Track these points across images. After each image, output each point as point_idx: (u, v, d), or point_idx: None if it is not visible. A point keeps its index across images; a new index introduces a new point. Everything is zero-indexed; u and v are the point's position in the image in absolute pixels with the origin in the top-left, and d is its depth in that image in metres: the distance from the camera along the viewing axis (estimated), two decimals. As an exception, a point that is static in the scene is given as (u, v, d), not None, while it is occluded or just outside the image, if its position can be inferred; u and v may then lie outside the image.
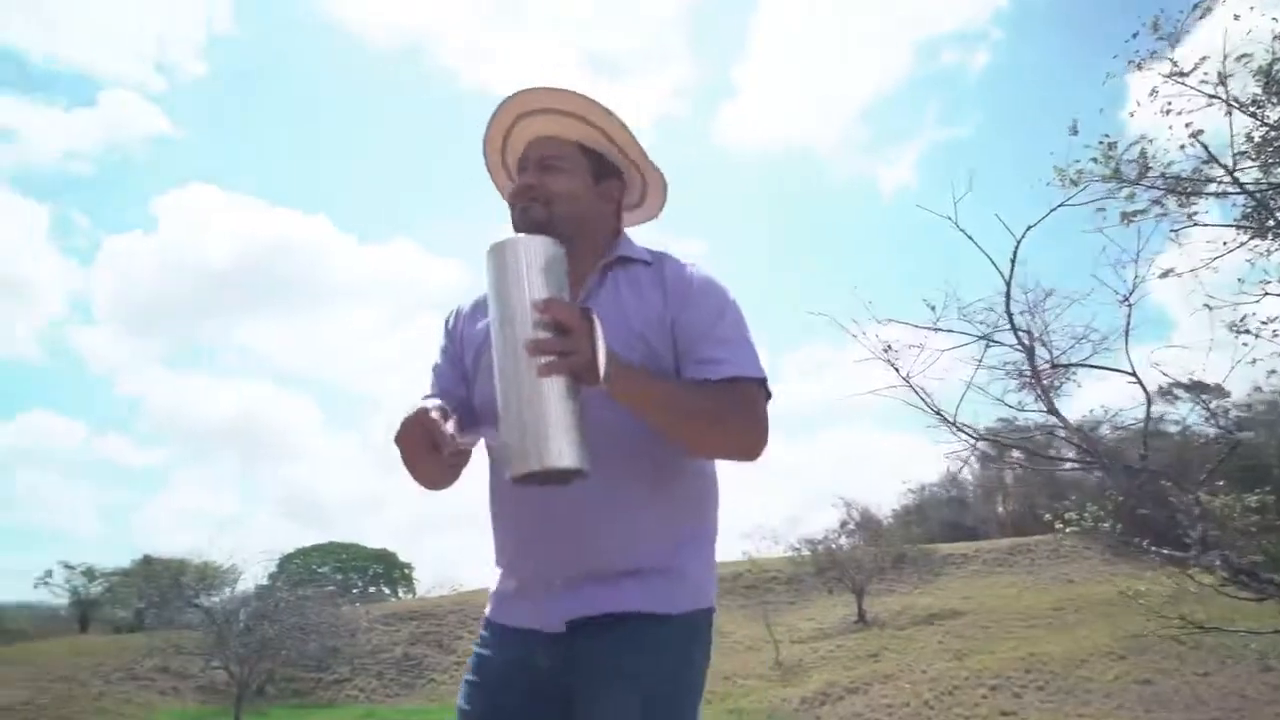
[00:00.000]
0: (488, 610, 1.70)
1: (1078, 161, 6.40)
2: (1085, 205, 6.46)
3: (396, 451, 1.49)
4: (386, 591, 43.97)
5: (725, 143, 76.35)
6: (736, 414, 1.48)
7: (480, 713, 1.60)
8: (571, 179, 1.61)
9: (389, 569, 44.64)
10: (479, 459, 1.66)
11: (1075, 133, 6.41)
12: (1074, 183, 6.36)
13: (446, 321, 1.75)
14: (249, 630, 22.10)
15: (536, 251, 1.27)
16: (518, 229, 1.59)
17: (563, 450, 1.21)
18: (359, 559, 43.74)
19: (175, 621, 28.73)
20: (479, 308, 1.71)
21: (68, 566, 34.88)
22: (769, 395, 1.53)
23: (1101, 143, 6.35)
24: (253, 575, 29.31)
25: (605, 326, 1.48)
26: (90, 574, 35.11)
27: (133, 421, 65.91)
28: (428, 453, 1.36)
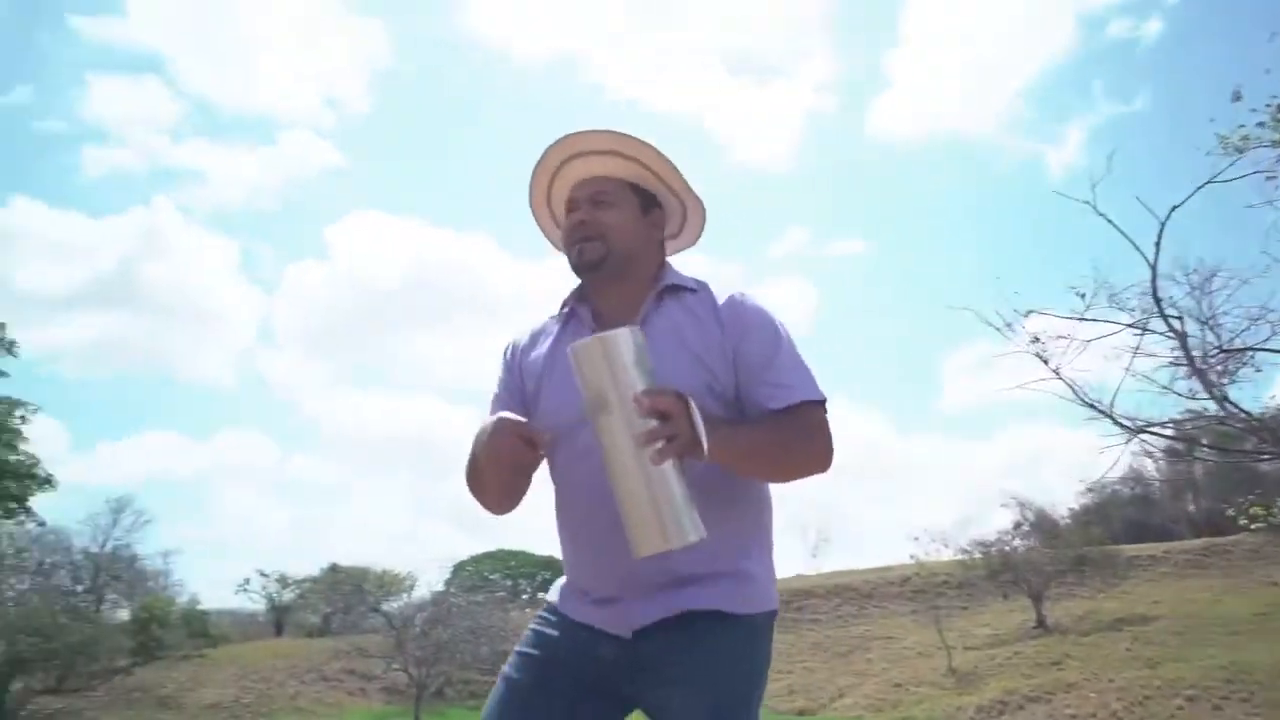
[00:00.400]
0: (555, 599, 1.76)
1: (1243, 127, 5.88)
2: (1245, 177, 5.92)
3: (475, 469, 1.59)
4: (554, 597, 44.91)
5: (880, 136, 74.02)
6: (805, 439, 1.57)
7: (529, 684, 1.64)
8: (622, 212, 1.69)
9: (556, 575, 45.48)
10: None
11: (1238, 98, 5.89)
12: (1239, 150, 5.85)
13: (505, 353, 1.82)
14: (425, 634, 23.18)
15: (623, 347, 1.34)
16: (575, 269, 1.70)
17: (686, 528, 1.31)
18: (527, 565, 44.87)
19: (359, 626, 30.49)
20: (536, 338, 1.79)
21: (263, 575, 37.26)
22: (826, 411, 1.62)
23: (1269, 105, 5.81)
24: (427, 582, 30.55)
25: (664, 351, 1.53)
26: (283, 582, 37.36)
27: (315, 438, 70.25)
28: (512, 461, 1.44)
